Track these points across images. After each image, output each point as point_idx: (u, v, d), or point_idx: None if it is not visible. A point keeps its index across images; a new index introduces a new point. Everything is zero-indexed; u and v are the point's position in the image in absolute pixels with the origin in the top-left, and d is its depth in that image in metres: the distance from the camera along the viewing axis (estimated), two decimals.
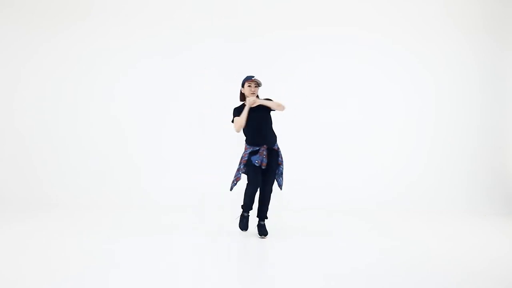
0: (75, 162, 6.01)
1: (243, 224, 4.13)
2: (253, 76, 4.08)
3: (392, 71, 6.11)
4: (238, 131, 4.11)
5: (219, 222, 4.73)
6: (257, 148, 4.04)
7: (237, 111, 4.12)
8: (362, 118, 6.09)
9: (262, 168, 4.01)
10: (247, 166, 4.07)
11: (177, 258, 3.48)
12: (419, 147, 6.07)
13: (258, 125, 4.07)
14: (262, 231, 4.11)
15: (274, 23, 6.08)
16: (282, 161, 4.16)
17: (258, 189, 4.10)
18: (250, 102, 4.02)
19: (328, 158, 6.03)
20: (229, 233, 4.23)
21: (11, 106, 6.09)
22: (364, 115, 6.10)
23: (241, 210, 4.19)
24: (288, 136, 5.94)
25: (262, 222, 4.15)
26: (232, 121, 4.15)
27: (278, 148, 4.14)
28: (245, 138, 4.17)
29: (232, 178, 4.20)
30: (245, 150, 4.11)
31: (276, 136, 4.15)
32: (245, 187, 4.12)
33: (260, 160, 3.98)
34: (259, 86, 4.08)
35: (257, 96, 4.14)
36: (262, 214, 4.15)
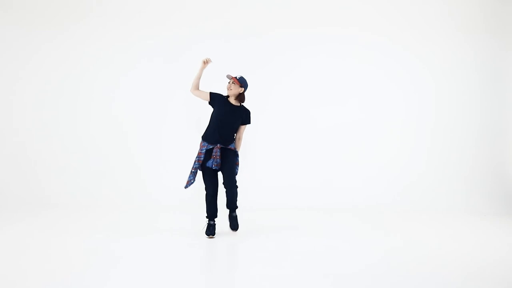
0: (75, 162, 6.01)
1: (208, 231, 4.11)
2: (236, 75, 4.12)
3: (392, 71, 6.11)
4: (190, 91, 4.21)
5: (219, 222, 4.72)
6: (211, 147, 4.05)
7: (216, 96, 4.16)
8: (362, 118, 6.09)
9: (216, 169, 4.04)
10: (201, 170, 4.10)
11: (177, 258, 3.48)
12: (419, 147, 6.07)
13: (223, 126, 4.08)
14: (234, 224, 4.17)
15: (274, 23, 6.08)
16: (238, 162, 4.20)
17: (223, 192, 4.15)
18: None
19: (328, 157, 6.03)
20: (229, 233, 4.24)
21: (11, 106, 6.08)
22: (364, 115, 6.10)
23: (207, 219, 4.19)
24: (288, 136, 5.98)
25: (233, 214, 4.20)
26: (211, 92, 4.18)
27: (235, 149, 4.16)
28: (204, 132, 4.17)
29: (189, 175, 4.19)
30: (200, 147, 4.13)
31: (233, 141, 4.17)
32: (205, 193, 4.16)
33: (215, 162, 4.00)
34: (238, 84, 4.07)
35: (240, 95, 4.12)
36: (232, 205, 4.18)
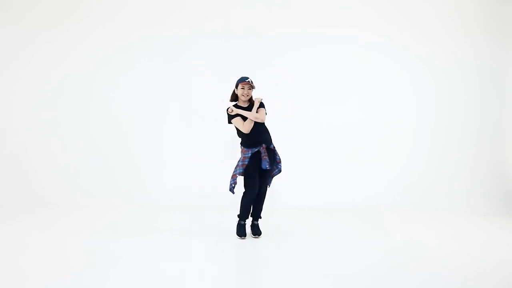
0: (75, 162, 6.01)
1: (241, 232, 4.11)
2: (248, 78, 4.04)
3: (392, 71, 6.11)
4: (248, 132, 4.02)
5: (219, 222, 4.73)
6: (256, 149, 4.01)
7: (232, 115, 4.06)
8: (362, 118, 6.09)
9: (266, 169, 4.01)
10: (245, 171, 4.02)
11: (177, 258, 3.48)
12: (419, 147, 6.07)
13: (255, 126, 4.05)
14: (256, 230, 4.13)
15: (274, 23, 6.08)
16: (280, 159, 4.18)
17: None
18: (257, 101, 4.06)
19: (328, 157, 6.03)
20: (230, 233, 4.23)
21: (11, 106, 6.08)
22: (365, 115, 6.10)
23: (238, 219, 4.17)
24: (288, 136, 5.96)
25: (256, 222, 4.16)
26: (229, 122, 4.09)
27: (274, 148, 4.14)
28: (240, 140, 4.14)
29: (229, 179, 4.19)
30: (243, 153, 4.05)
31: (270, 133, 4.14)
32: (242, 193, 4.12)
33: (267, 163, 3.98)
34: (252, 88, 4.07)
35: (250, 99, 4.11)
36: (257, 214, 4.17)
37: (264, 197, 4.17)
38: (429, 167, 6.02)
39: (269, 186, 4.22)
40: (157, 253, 3.57)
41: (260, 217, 4.18)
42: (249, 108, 4.09)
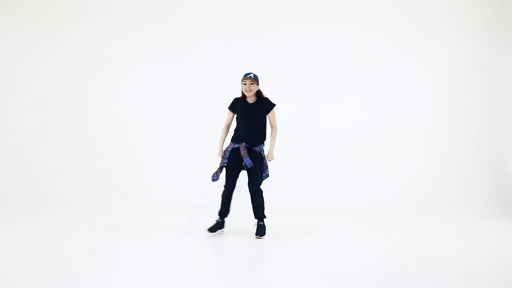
0: (75, 162, 6.00)
1: (212, 228, 4.11)
2: (250, 73, 4.06)
3: (392, 71, 6.11)
4: (225, 124, 4.28)
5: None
6: (237, 146, 4.06)
7: (234, 103, 4.17)
8: (362, 118, 6.09)
9: (249, 167, 4.02)
10: (225, 167, 4.11)
11: (177, 258, 3.48)
12: (419, 147, 6.07)
13: (247, 124, 4.08)
14: (259, 231, 4.10)
15: (274, 23, 6.08)
16: (267, 164, 4.18)
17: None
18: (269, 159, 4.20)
19: (328, 157, 6.03)
20: (230, 233, 4.23)
21: (11, 106, 6.08)
22: (365, 115, 6.10)
23: (218, 216, 4.18)
24: (288, 136, 5.96)
25: (260, 223, 4.15)
26: (229, 108, 4.22)
27: (262, 151, 4.13)
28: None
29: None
30: (228, 146, 4.13)
31: (263, 139, 4.16)
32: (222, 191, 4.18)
33: (248, 161, 3.99)
34: (256, 83, 4.07)
35: (257, 92, 4.11)
36: (258, 214, 4.14)
37: (259, 197, 4.11)
38: (429, 167, 6.02)
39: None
40: (157, 253, 3.57)
41: (265, 217, 4.16)
42: (254, 104, 4.10)
